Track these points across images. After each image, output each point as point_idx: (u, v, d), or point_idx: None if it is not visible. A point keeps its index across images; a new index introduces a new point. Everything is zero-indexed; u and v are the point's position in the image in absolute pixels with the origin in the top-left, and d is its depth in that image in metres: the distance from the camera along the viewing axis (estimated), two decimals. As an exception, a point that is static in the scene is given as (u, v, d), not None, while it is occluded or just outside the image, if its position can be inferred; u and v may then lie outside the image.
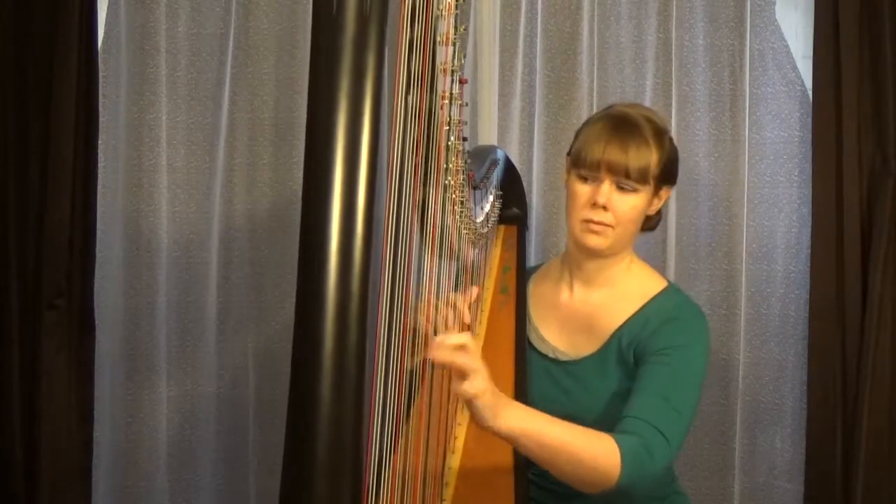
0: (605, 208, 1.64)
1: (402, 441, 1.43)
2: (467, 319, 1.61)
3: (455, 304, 1.60)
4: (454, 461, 1.54)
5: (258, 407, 2.43)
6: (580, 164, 1.65)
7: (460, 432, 1.60)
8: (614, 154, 1.62)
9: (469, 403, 1.37)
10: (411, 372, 1.42)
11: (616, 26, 2.38)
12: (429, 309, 1.49)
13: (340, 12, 0.86)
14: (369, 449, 1.01)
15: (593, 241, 1.67)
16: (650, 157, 1.64)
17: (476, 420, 1.39)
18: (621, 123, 1.65)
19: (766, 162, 2.36)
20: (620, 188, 1.64)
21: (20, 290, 2.16)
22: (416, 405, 1.52)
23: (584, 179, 1.66)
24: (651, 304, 1.70)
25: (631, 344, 1.66)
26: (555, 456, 1.44)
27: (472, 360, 1.34)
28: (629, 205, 1.65)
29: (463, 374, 1.34)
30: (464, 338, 1.35)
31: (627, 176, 1.63)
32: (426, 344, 1.45)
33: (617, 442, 1.46)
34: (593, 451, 1.45)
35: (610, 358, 1.68)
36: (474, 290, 1.64)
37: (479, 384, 1.35)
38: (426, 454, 1.44)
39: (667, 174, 1.69)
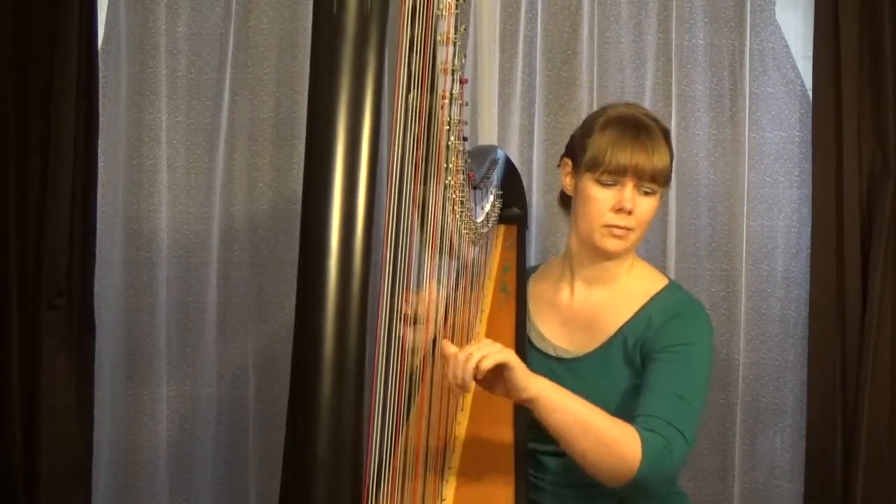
0: (629, 213, 1.64)
1: (402, 441, 1.43)
2: (431, 305, 1.63)
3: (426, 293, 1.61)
4: (454, 460, 1.54)
5: (258, 407, 2.43)
6: (602, 170, 1.64)
7: (460, 432, 1.60)
8: (641, 158, 1.63)
9: (505, 369, 1.41)
10: (411, 373, 1.42)
11: (616, 26, 2.38)
12: (430, 292, 1.50)
13: (341, 12, 0.86)
14: (369, 449, 1.01)
15: (615, 245, 1.67)
16: (667, 159, 1.66)
17: (510, 388, 1.42)
18: (639, 127, 1.65)
19: (766, 162, 2.36)
20: (642, 192, 1.65)
21: (20, 290, 2.16)
22: (416, 405, 1.52)
23: (604, 184, 1.65)
24: (653, 301, 1.71)
25: (637, 342, 1.66)
26: (577, 432, 1.45)
27: (492, 347, 1.41)
28: (649, 207, 1.66)
29: (483, 358, 1.39)
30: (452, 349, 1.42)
31: (653, 180, 1.64)
32: (426, 338, 1.45)
33: (640, 434, 1.47)
34: (617, 435, 1.46)
35: (615, 356, 1.68)
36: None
37: (502, 350, 1.41)
38: (426, 453, 1.44)
39: (671, 174, 1.70)
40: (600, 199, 1.65)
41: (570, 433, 1.46)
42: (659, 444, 1.47)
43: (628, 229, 1.66)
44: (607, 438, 1.45)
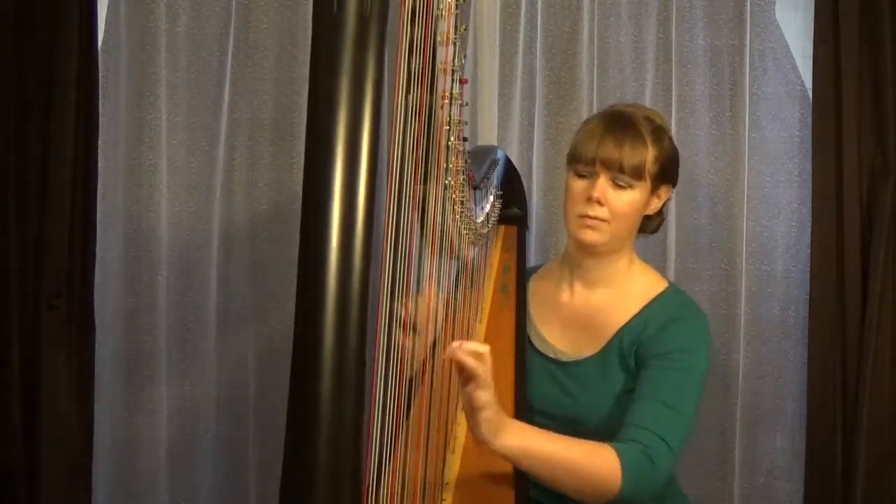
0: (599, 203, 1.64)
1: (402, 440, 1.43)
2: (431, 310, 1.61)
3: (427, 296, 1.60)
4: (454, 460, 1.54)
5: (258, 407, 2.43)
6: (576, 160, 1.67)
7: (460, 431, 1.60)
8: (609, 150, 1.63)
9: (473, 414, 1.38)
10: (411, 375, 1.42)
11: (616, 26, 2.38)
12: (430, 298, 1.49)
13: (341, 12, 0.86)
14: (369, 449, 1.01)
15: (589, 235, 1.67)
16: (645, 154, 1.65)
17: (475, 435, 1.41)
18: (617, 120, 1.67)
19: (766, 162, 2.36)
20: (616, 184, 1.65)
21: (20, 290, 2.16)
22: (416, 404, 1.52)
23: (581, 175, 1.67)
24: (652, 304, 1.70)
25: (632, 345, 1.66)
26: (555, 472, 1.46)
27: (487, 371, 1.36)
28: (624, 200, 1.66)
29: (475, 381, 1.35)
30: (484, 348, 1.37)
31: (622, 171, 1.64)
32: (425, 342, 1.45)
33: (617, 452, 1.47)
34: (593, 464, 1.47)
35: (611, 359, 1.68)
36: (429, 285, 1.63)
37: (488, 396, 1.37)
38: (426, 453, 1.44)
39: (665, 173, 1.69)
40: (575, 189, 1.67)
41: (545, 476, 1.47)
42: (639, 457, 1.48)
43: (600, 219, 1.65)
44: (584, 471, 1.46)
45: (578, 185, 1.67)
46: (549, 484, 1.49)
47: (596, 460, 1.47)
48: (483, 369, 1.35)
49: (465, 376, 1.37)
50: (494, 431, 1.40)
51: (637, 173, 1.64)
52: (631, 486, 1.46)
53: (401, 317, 1.43)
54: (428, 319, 1.51)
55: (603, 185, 1.64)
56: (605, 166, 1.64)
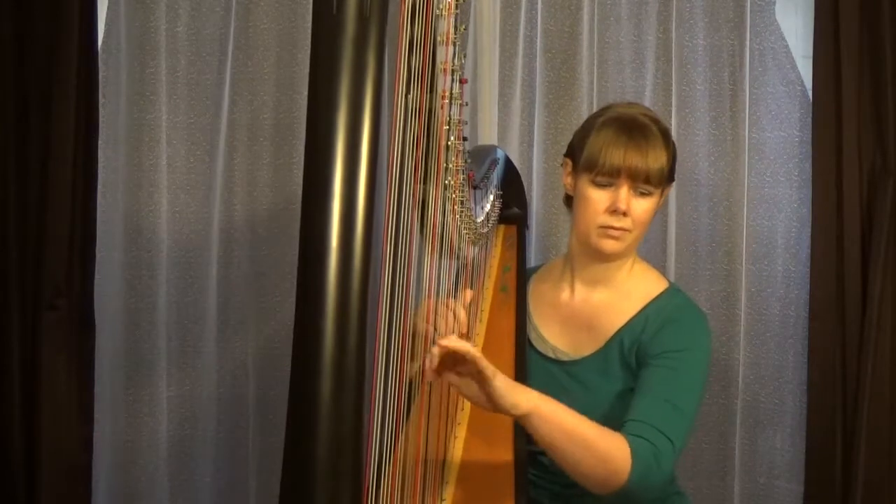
0: (625, 214, 1.64)
1: (402, 441, 1.43)
2: (464, 327, 1.61)
3: (455, 310, 1.60)
4: (454, 460, 1.54)
5: (258, 407, 2.43)
6: (596, 171, 1.64)
7: (460, 432, 1.60)
8: (635, 160, 1.62)
9: (487, 385, 1.37)
10: (411, 378, 1.42)
11: (616, 26, 2.38)
12: (429, 312, 1.49)
13: (341, 12, 0.86)
14: (369, 449, 1.01)
15: (612, 246, 1.67)
16: (664, 160, 1.65)
17: (494, 403, 1.38)
18: (635, 127, 1.64)
19: (766, 162, 2.36)
20: (638, 193, 1.64)
21: (20, 290, 2.16)
22: (416, 404, 1.52)
23: (600, 185, 1.65)
24: (652, 305, 1.70)
25: (632, 345, 1.66)
26: (568, 442, 1.43)
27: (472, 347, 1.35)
28: (646, 208, 1.65)
29: (475, 363, 1.34)
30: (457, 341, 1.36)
31: (647, 181, 1.63)
32: (426, 347, 1.44)
33: (629, 442, 1.47)
34: (606, 444, 1.46)
35: (611, 359, 1.68)
36: (468, 294, 1.64)
37: (489, 365, 1.35)
38: (426, 453, 1.44)
39: (673, 173, 1.70)
40: (596, 199, 1.65)
41: (560, 445, 1.45)
42: (648, 451, 1.47)
43: (624, 230, 1.65)
44: (597, 449, 1.45)
45: (599, 195, 1.65)
46: (559, 457, 1.46)
47: (609, 443, 1.46)
48: (469, 346, 1.35)
49: (465, 366, 1.36)
50: (512, 394, 1.38)
51: (659, 180, 1.65)
52: (637, 477, 1.45)
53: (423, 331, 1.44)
54: (428, 323, 1.51)
55: (627, 196, 1.63)
56: (631, 177, 1.62)
